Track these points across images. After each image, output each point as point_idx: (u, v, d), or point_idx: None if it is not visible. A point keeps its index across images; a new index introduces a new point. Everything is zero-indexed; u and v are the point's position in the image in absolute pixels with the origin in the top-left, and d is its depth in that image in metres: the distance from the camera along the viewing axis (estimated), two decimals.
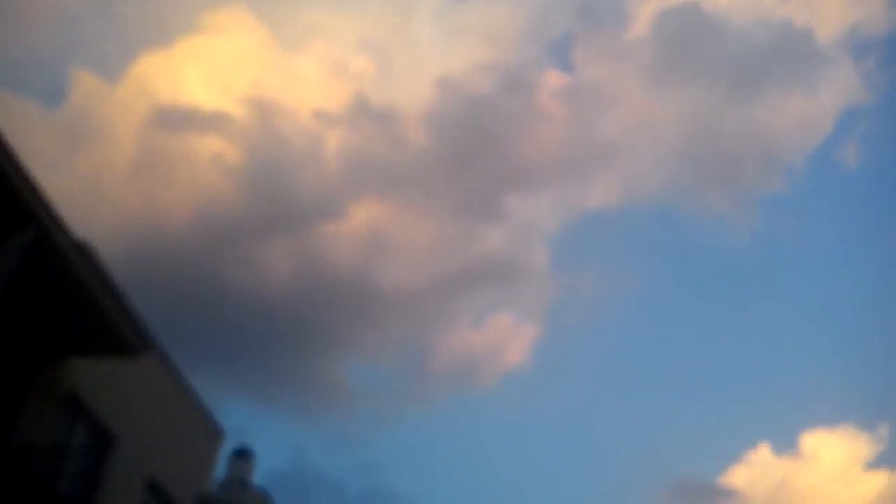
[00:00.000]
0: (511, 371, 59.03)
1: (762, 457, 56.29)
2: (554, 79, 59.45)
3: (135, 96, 45.76)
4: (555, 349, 63.35)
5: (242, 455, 23.57)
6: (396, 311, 52.50)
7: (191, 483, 18.59)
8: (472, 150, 51.12)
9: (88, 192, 42.60)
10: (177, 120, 44.78)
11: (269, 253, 47.16)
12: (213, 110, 45.89)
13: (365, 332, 52.08)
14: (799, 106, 56.14)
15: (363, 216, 50.95)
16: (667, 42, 53.75)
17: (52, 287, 12.43)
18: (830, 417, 69.46)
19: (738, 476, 56.84)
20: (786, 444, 79.09)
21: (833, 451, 54.67)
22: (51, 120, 47.21)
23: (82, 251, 12.33)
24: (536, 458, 63.41)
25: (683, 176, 58.57)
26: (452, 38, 59.89)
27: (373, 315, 51.32)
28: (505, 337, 58.62)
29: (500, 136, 51.94)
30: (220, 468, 21.64)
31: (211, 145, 45.63)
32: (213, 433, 19.66)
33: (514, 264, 54.30)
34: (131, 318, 13.51)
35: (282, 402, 50.17)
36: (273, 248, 47.42)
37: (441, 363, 56.00)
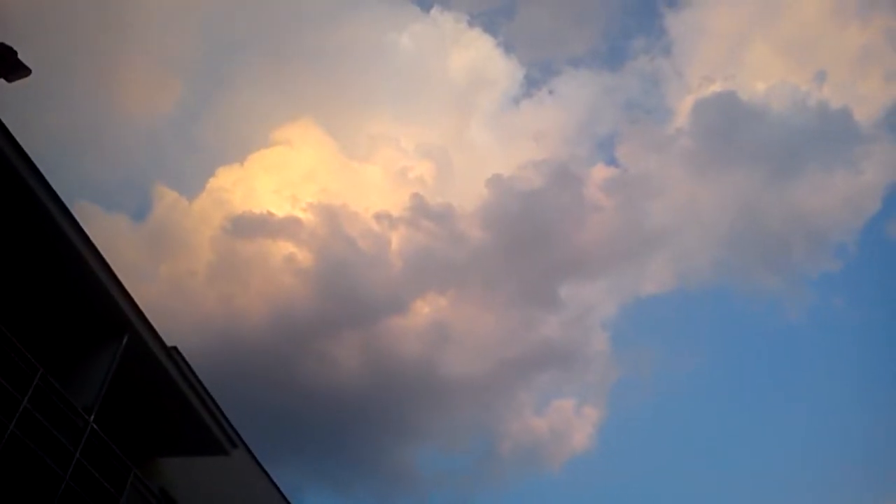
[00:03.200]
0: (577, 454, 57.35)
1: None
2: (602, 172, 59.56)
3: (212, 208, 47.34)
4: (618, 431, 61.50)
5: None
6: (463, 399, 51.85)
7: None
8: (527, 242, 51.21)
9: (171, 296, 43.64)
10: (251, 227, 45.96)
11: (341, 348, 47.29)
12: (285, 217, 46.98)
13: (434, 420, 51.44)
14: (843, 185, 54.89)
15: (427, 310, 51.04)
16: (708, 131, 53.56)
17: (145, 390, 12.49)
18: None
19: None
20: None
21: None
22: (137, 233, 48.96)
23: (172, 357, 12.44)
24: None
25: (733, 258, 57.37)
26: (506, 140, 60.86)
27: (441, 403, 50.74)
28: (569, 421, 57.31)
29: (554, 228, 52.03)
30: None
31: (283, 249, 46.56)
32: None
33: (574, 350, 53.44)
34: (219, 419, 13.50)
35: (359, 490, 49.44)
36: (344, 343, 47.57)
37: (509, 448, 54.80)
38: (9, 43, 11.06)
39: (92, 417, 10.52)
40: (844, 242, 58.67)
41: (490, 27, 71.64)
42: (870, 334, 58.96)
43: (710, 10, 62.15)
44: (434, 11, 59.05)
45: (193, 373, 13.06)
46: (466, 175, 57.03)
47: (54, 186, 9.80)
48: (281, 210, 48.36)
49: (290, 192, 49.98)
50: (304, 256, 46.63)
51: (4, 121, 9.34)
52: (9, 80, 11.46)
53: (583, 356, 53.62)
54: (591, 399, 58.81)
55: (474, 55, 57.42)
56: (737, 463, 58.57)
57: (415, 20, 57.60)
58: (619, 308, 61.91)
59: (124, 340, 11.44)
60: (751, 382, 62.87)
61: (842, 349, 59.98)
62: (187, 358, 12.92)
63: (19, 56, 11.23)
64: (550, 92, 65.36)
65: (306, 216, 47.20)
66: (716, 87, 56.76)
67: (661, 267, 57.03)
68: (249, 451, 16.47)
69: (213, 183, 49.94)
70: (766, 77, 61.19)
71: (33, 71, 11.24)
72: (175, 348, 12.54)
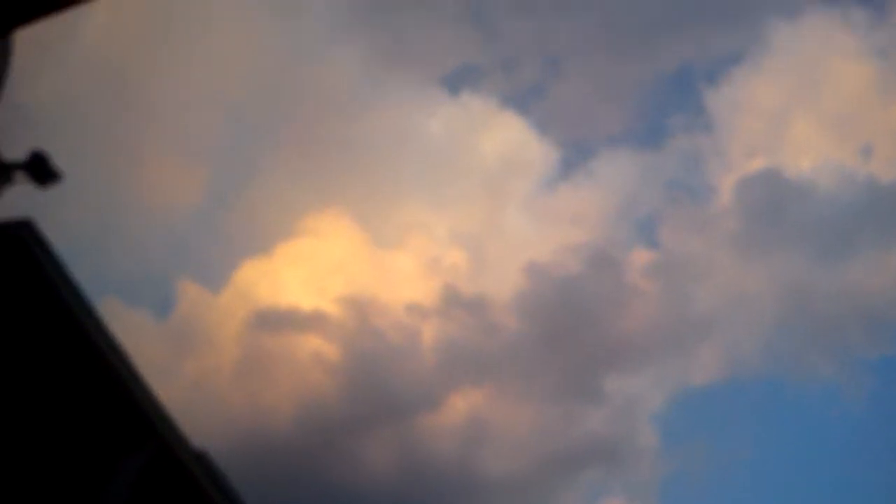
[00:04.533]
0: None
1: None
2: (644, 256, 57.75)
3: (238, 302, 46.59)
4: None
5: None
6: (504, 500, 49.61)
7: None
8: (566, 331, 49.52)
9: (195, 394, 42.85)
10: (277, 321, 44.98)
11: (371, 446, 45.58)
12: (312, 310, 46.14)
13: None
14: None
15: (461, 405, 49.17)
16: (752, 210, 51.38)
17: (173, 499, 11.74)
18: None
19: None
20: None
21: None
22: (160, 330, 48.46)
23: (202, 462, 11.68)
24: None
25: (785, 344, 54.57)
26: (542, 224, 59.69)
27: None
28: None
29: (594, 315, 50.17)
30: None
31: (310, 344, 45.61)
32: None
33: (620, 445, 50.82)
34: None
35: None
36: (374, 442, 45.82)
37: None
38: (36, 141, 10.86)
39: None
40: None
41: (522, 108, 70.36)
42: None
43: (750, 86, 61.28)
44: (463, 94, 58.63)
45: (226, 481, 12.23)
46: (501, 262, 55.93)
47: (76, 281, 9.36)
48: (308, 303, 47.73)
49: (318, 284, 49.25)
50: (332, 351, 45.67)
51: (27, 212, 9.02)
52: (42, 186, 11.26)
53: (631, 451, 51.12)
54: (641, 497, 56.04)
55: (507, 138, 56.48)
56: None
57: (444, 104, 57.01)
58: (666, 399, 59.34)
59: (150, 447, 10.77)
60: (809, 473, 59.66)
61: None
62: (215, 459, 12.12)
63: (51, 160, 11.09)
64: (588, 173, 63.97)
65: (334, 309, 46.46)
66: (759, 165, 55.45)
67: (710, 355, 54.66)
68: None
69: (239, 275, 49.28)
70: (809, 153, 59.77)
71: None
72: (205, 453, 11.78)
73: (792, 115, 60.68)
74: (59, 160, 10.32)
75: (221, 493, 12.07)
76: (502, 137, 57.47)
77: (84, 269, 10.00)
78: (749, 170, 55.59)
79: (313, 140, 54.85)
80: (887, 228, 52.47)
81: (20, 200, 10.02)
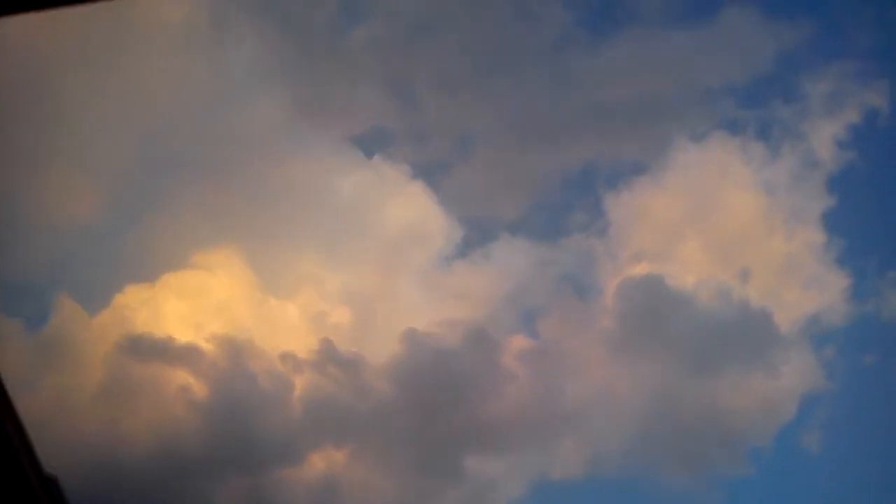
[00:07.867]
0: None
1: None
2: (521, 343, 58.32)
3: (112, 325, 44.49)
4: None
5: None
6: None
7: None
8: (434, 404, 49.30)
9: (52, 412, 40.32)
10: (148, 350, 42.97)
11: (225, 491, 43.72)
12: (186, 344, 44.40)
13: None
14: (760, 387, 54.79)
15: (321, 464, 48.00)
16: (632, 315, 53.41)
17: None
18: None
19: None
20: None
21: None
22: (29, 341, 45.70)
23: (49, 489, 10.79)
24: None
25: (645, 449, 55.81)
26: (432, 297, 60.00)
27: None
28: None
29: (464, 393, 50.21)
30: None
31: (179, 378, 43.77)
32: None
33: None
34: None
35: None
36: (229, 487, 43.95)
37: None
38: None
39: None
40: (759, 448, 58.17)
41: (430, 180, 70.76)
42: None
43: (648, 196, 64.05)
44: (376, 157, 58.67)
45: None
46: (386, 327, 55.51)
47: None
48: (183, 336, 45.91)
49: (197, 320, 47.53)
50: (199, 388, 43.94)
51: None
52: None
53: None
54: None
55: (412, 206, 56.77)
56: None
57: (359, 166, 56.85)
58: (526, 487, 59.40)
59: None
60: None
61: None
62: (62, 481, 11.22)
63: None
64: (484, 254, 64.81)
65: (209, 346, 44.88)
66: (645, 272, 57.65)
67: (572, 449, 55.19)
68: None
69: (119, 299, 47.21)
70: (692, 268, 62.56)
71: None
72: (54, 479, 10.90)
73: (682, 231, 64.04)
74: None
75: None
76: (407, 205, 57.81)
77: None
78: (635, 276, 57.60)
79: (221, 179, 53.63)
80: (753, 351, 55.26)
81: None
